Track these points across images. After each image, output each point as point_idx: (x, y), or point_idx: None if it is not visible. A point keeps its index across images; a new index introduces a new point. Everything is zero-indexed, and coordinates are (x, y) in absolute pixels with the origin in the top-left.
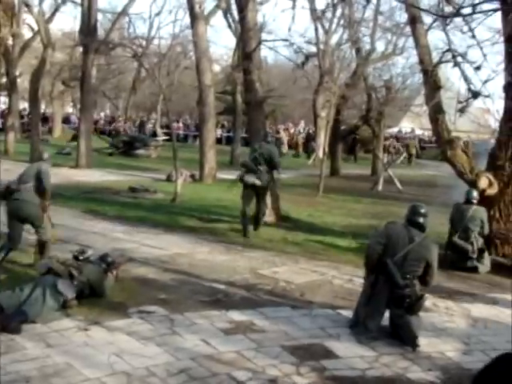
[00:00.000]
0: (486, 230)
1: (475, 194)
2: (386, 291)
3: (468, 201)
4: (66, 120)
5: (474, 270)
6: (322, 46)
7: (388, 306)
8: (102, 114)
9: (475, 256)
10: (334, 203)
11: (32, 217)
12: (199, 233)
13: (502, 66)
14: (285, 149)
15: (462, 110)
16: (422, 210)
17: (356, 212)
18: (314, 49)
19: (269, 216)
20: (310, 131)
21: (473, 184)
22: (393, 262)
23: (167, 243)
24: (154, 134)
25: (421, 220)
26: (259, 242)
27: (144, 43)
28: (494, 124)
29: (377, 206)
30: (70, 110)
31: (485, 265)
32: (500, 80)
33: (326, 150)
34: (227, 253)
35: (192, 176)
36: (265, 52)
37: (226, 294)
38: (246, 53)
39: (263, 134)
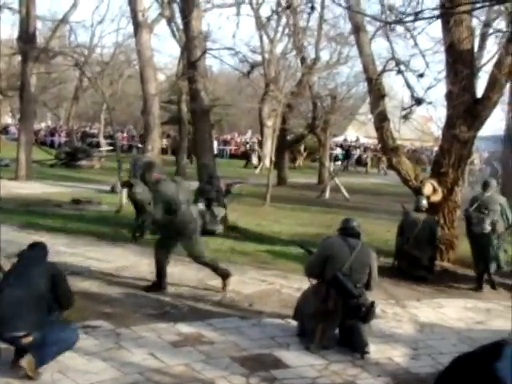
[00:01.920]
0: (436, 240)
1: (424, 201)
2: (339, 305)
3: (418, 209)
4: (4, 131)
5: (424, 278)
6: (267, 55)
7: (342, 317)
8: (43, 125)
9: (426, 264)
10: (282, 212)
11: None
12: (145, 244)
13: (444, 74)
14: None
15: (405, 117)
16: (354, 222)
17: (303, 221)
18: (259, 58)
19: (217, 226)
20: (255, 140)
21: (418, 191)
22: (341, 274)
23: (112, 256)
24: (98, 145)
25: (355, 229)
26: (207, 253)
27: (86, 52)
28: (437, 131)
29: (324, 215)
30: (8, 120)
31: (433, 273)
32: (442, 88)
33: (273, 159)
34: (174, 264)
35: None
36: (210, 61)
37: (173, 306)
38: (190, 61)
39: (207, 178)
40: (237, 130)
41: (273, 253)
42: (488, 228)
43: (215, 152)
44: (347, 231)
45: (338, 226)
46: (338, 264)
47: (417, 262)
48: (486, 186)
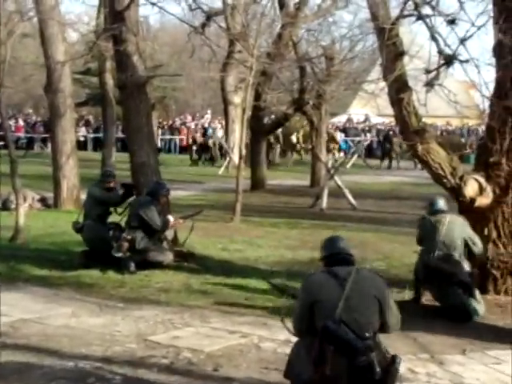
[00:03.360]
0: (479, 249)
1: (442, 203)
2: (342, 368)
3: (436, 212)
4: None
5: (464, 313)
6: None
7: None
8: None
9: (466, 281)
10: (259, 230)
11: None
12: (56, 286)
13: (487, 18)
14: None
15: (431, 84)
16: (341, 242)
17: (291, 241)
18: (218, 3)
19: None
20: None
21: (456, 191)
22: (334, 322)
23: (6, 305)
24: None
25: (343, 251)
26: (149, 294)
27: None
28: (483, 104)
29: (320, 232)
30: None
31: (480, 303)
32: (487, 39)
33: (244, 152)
34: (101, 313)
35: (42, 200)
36: (145, 10)
37: (99, 377)
38: (115, 11)
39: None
40: (189, 111)
41: (247, 290)
42: None
43: (158, 145)
44: (333, 258)
45: (319, 253)
46: (326, 310)
47: (450, 280)
48: None
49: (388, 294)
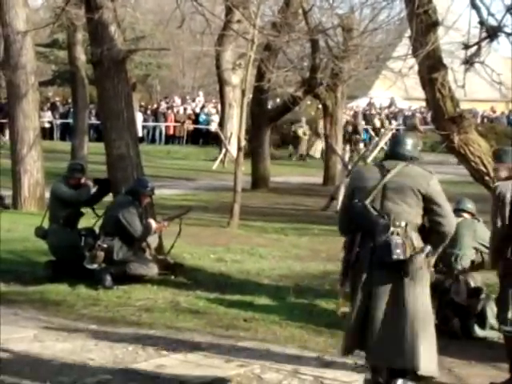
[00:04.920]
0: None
1: (470, 205)
2: (367, 248)
3: (458, 214)
4: None
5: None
6: None
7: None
8: None
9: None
10: (261, 237)
11: None
12: (16, 304)
13: None
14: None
15: (470, 61)
16: (404, 140)
17: (300, 250)
18: None
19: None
20: (212, 111)
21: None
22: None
23: None
24: None
25: (403, 149)
26: (129, 314)
27: None
28: None
29: (335, 239)
30: None
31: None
32: None
33: (244, 143)
34: (70, 337)
35: None
36: None
37: None
38: None
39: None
40: (178, 92)
41: (246, 309)
42: None
43: (140, 133)
44: (389, 153)
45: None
46: (362, 195)
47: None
48: None
49: (435, 191)
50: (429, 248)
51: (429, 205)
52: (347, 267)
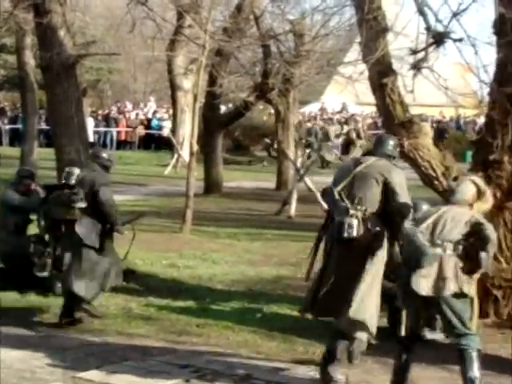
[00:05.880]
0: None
1: (425, 206)
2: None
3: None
4: None
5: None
6: None
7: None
8: None
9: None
10: (214, 242)
11: None
12: None
13: None
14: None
15: (418, 66)
16: (390, 141)
17: (252, 255)
18: None
19: None
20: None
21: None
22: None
23: None
24: None
25: (386, 148)
26: (80, 321)
27: None
28: (481, 91)
29: (288, 244)
30: None
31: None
32: (485, 13)
33: (196, 148)
34: (19, 345)
35: None
36: None
37: None
38: None
39: (92, 151)
40: (129, 97)
41: (199, 315)
42: None
43: (90, 139)
44: (371, 152)
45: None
46: (337, 182)
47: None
48: None
49: (394, 182)
50: (379, 230)
51: (388, 193)
52: (318, 242)
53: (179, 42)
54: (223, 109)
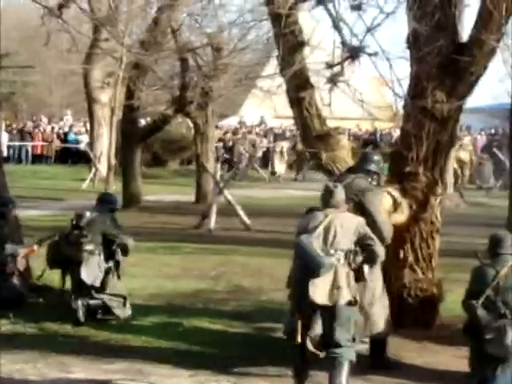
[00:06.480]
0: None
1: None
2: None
3: None
4: None
5: None
6: None
7: None
8: None
9: None
10: (132, 256)
11: None
12: None
13: (397, 3)
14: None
15: (334, 80)
16: (375, 157)
17: (171, 269)
18: None
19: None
20: (82, 129)
21: None
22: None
23: None
24: None
25: (369, 164)
26: None
27: None
28: (396, 104)
29: (208, 257)
30: None
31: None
32: (399, 28)
33: (114, 162)
34: None
35: None
36: None
37: None
38: None
39: None
40: (45, 111)
41: (117, 330)
42: None
43: (4, 153)
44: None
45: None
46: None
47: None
48: (497, 243)
49: (368, 201)
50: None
51: (363, 212)
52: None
53: (96, 55)
54: (141, 122)
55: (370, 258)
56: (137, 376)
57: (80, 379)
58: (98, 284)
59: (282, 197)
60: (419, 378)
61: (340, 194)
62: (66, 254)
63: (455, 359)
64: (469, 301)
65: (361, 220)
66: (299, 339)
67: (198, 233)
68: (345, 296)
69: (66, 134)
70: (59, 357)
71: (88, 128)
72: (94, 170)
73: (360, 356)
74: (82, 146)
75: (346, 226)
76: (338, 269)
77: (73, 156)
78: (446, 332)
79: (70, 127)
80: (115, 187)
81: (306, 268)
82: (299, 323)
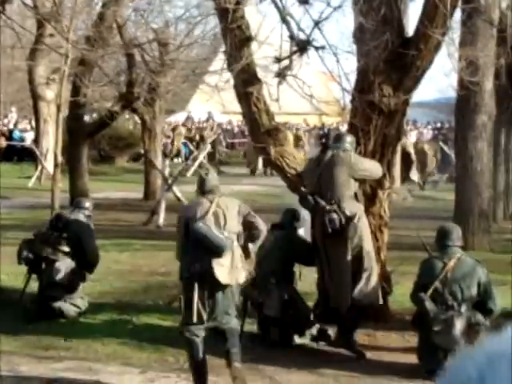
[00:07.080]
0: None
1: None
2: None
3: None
4: None
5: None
6: None
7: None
8: None
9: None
10: None
11: None
12: None
13: None
14: None
15: (282, 75)
16: (347, 137)
17: (120, 266)
18: None
19: None
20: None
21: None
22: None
23: None
24: None
25: (339, 142)
26: None
27: None
28: (343, 99)
29: (157, 253)
30: None
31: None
32: (346, 22)
33: (61, 159)
34: None
35: None
36: None
37: None
38: None
39: None
40: None
41: (66, 328)
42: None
43: None
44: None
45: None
46: (307, 185)
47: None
48: (444, 235)
49: (356, 160)
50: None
51: (356, 172)
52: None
53: (40, 50)
54: (88, 118)
55: (254, 234)
56: (86, 374)
57: (29, 377)
58: (67, 284)
59: (236, 191)
60: (369, 370)
61: (213, 180)
62: (39, 253)
63: (404, 351)
64: (417, 293)
65: (241, 203)
66: (195, 319)
67: (147, 229)
68: (243, 276)
69: (10, 132)
70: (7, 356)
71: (33, 125)
72: (40, 167)
73: (312, 349)
74: (28, 144)
75: (231, 207)
76: (234, 250)
77: (18, 153)
78: (395, 324)
79: (15, 124)
80: (62, 185)
81: (208, 250)
82: (195, 303)
